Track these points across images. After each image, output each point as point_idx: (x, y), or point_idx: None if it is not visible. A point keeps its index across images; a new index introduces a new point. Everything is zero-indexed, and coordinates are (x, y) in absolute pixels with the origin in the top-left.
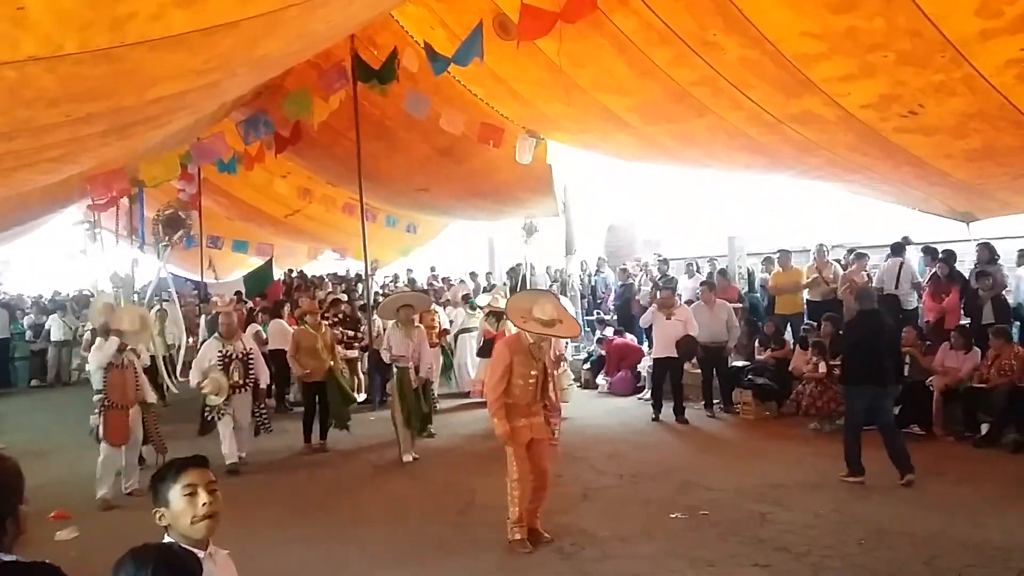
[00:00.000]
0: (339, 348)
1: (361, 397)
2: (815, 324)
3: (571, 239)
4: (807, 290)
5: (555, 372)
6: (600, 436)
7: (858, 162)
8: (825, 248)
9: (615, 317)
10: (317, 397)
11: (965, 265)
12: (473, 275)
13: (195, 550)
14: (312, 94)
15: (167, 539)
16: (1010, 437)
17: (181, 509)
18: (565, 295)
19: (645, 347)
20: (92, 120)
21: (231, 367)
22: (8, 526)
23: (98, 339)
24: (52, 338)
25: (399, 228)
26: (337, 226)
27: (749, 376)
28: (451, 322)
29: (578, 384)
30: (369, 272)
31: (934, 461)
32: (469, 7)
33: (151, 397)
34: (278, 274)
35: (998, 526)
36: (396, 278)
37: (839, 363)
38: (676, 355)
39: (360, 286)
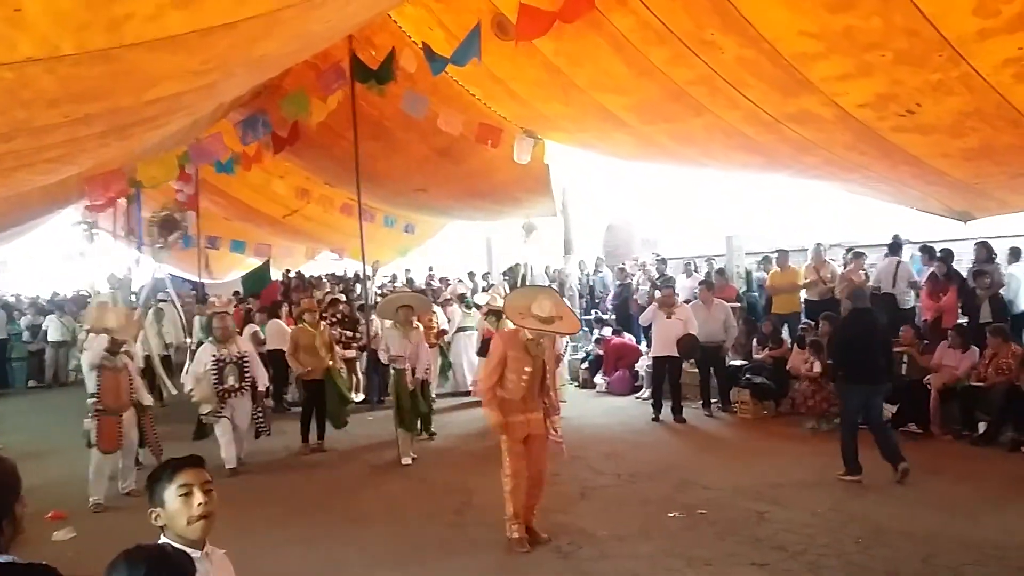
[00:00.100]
0: (337, 348)
1: (359, 397)
2: (813, 323)
3: (569, 239)
4: (804, 290)
5: (556, 370)
6: (598, 435)
7: (855, 161)
8: (823, 247)
9: (613, 316)
10: (316, 396)
11: (963, 264)
12: (471, 275)
13: (191, 550)
14: (310, 94)
15: (163, 539)
16: (1007, 436)
17: (177, 509)
18: (563, 295)
19: (643, 346)
20: (90, 121)
21: (225, 371)
22: (5, 527)
23: (88, 337)
24: (50, 339)
25: (397, 228)
26: (335, 226)
27: (747, 375)
28: (448, 321)
29: (576, 384)
30: (371, 272)
31: (932, 460)
32: (467, 7)
33: (147, 400)
34: (276, 274)
35: (996, 524)
36: (394, 278)
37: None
38: (676, 354)
39: (358, 286)
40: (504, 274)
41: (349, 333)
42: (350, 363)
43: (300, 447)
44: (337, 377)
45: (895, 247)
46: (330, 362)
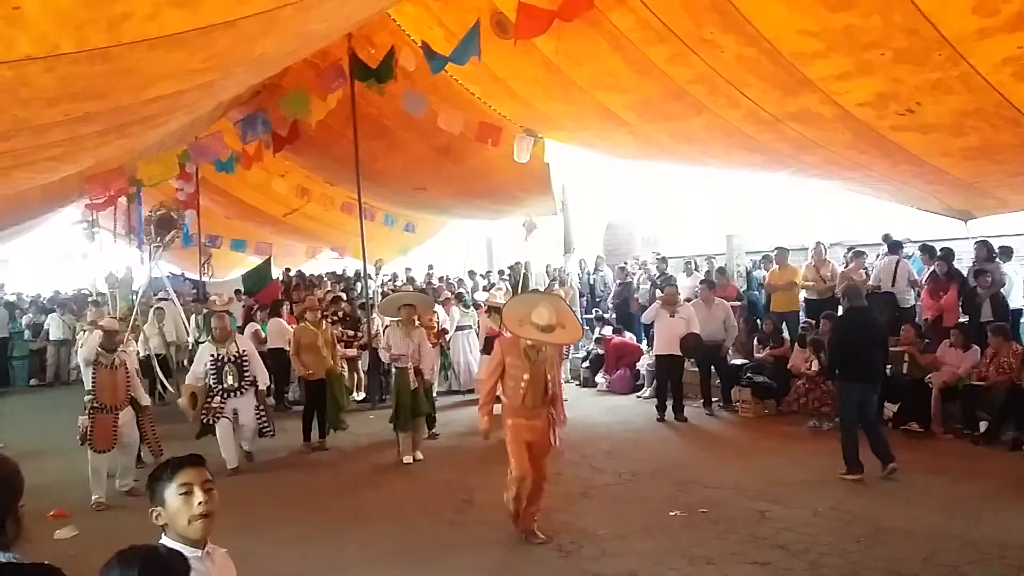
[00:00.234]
0: (339, 347)
1: (360, 395)
2: (814, 322)
3: (569, 238)
4: (803, 288)
5: (560, 379)
6: (599, 434)
7: (855, 160)
8: (823, 246)
9: (614, 315)
10: (317, 395)
11: (963, 263)
12: (472, 274)
13: (192, 549)
14: (310, 93)
15: (164, 538)
16: (1009, 435)
17: (177, 508)
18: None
19: (644, 345)
20: (90, 119)
21: (224, 370)
22: (8, 526)
23: (83, 333)
24: (51, 337)
25: (397, 227)
26: (335, 225)
27: (748, 374)
28: (448, 320)
29: (576, 382)
30: (374, 271)
31: (933, 459)
32: (466, 6)
33: (145, 399)
34: (276, 273)
35: (996, 523)
36: (395, 277)
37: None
38: (678, 352)
39: (359, 284)
40: (501, 272)
41: (350, 332)
42: (351, 362)
43: (302, 446)
44: (336, 382)
45: (895, 246)
46: (332, 362)
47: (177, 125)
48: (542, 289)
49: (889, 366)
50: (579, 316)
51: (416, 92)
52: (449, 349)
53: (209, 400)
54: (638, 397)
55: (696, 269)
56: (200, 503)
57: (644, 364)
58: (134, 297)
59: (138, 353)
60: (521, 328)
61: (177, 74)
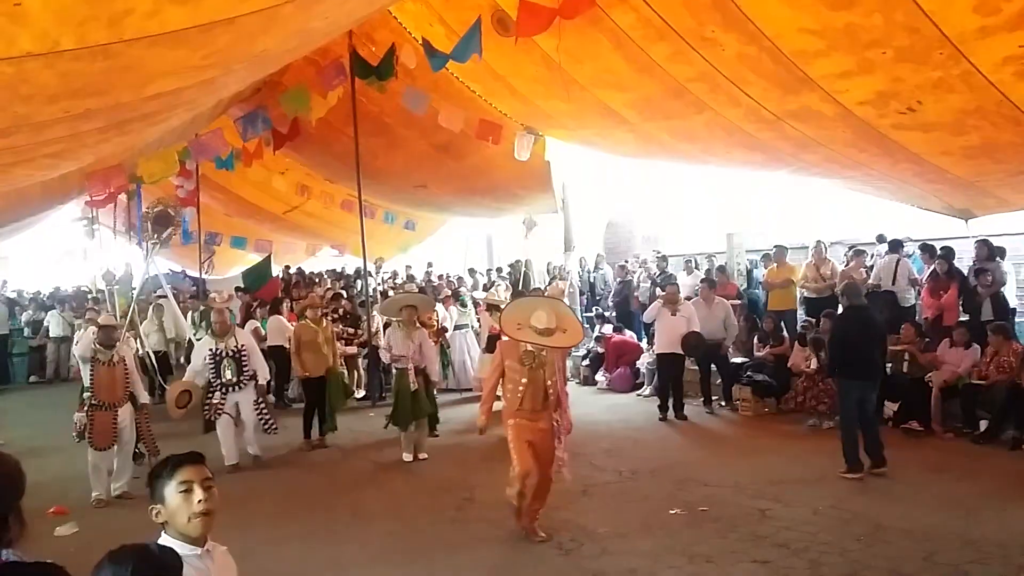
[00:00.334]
0: (339, 345)
1: (360, 393)
2: (813, 320)
3: (570, 236)
4: (802, 287)
5: (564, 386)
6: (599, 432)
7: (856, 159)
8: (823, 245)
9: (614, 314)
10: (317, 392)
11: (964, 262)
12: (472, 272)
13: (192, 547)
14: (310, 90)
15: (164, 535)
16: (1009, 434)
17: (177, 506)
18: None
19: (644, 344)
20: (90, 116)
21: (222, 364)
22: (11, 523)
23: (81, 330)
24: (51, 334)
25: (397, 225)
26: (335, 222)
27: (748, 372)
28: (447, 317)
29: (577, 380)
30: (374, 269)
31: (933, 457)
32: (467, 3)
33: (143, 397)
34: (276, 270)
35: (997, 522)
36: (395, 275)
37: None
38: (679, 351)
39: (359, 283)
40: (500, 270)
41: (350, 330)
42: (351, 360)
43: (302, 443)
44: (335, 380)
45: (894, 245)
46: (332, 360)
47: (177, 122)
48: (542, 287)
49: (889, 365)
50: (579, 314)
51: (417, 90)
52: (449, 348)
53: (209, 396)
54: (638, 395)
55: (696, 267)
56: (200, 501)
57: (644, 362)
58: (133, 294)
59: (136, 351)
60: (519, 331)
61: (178, 71)
